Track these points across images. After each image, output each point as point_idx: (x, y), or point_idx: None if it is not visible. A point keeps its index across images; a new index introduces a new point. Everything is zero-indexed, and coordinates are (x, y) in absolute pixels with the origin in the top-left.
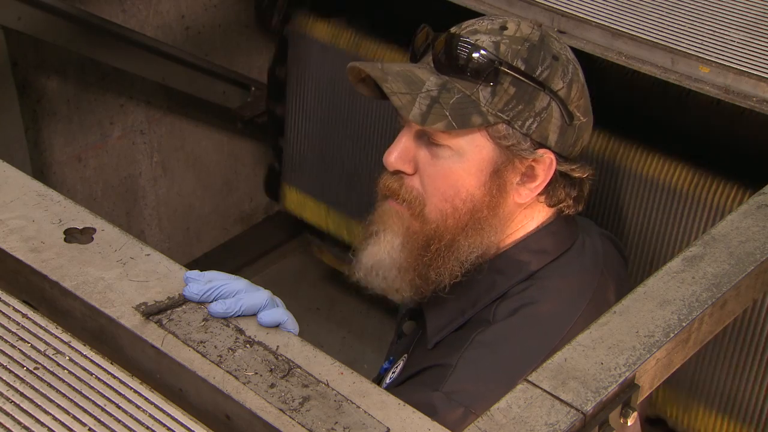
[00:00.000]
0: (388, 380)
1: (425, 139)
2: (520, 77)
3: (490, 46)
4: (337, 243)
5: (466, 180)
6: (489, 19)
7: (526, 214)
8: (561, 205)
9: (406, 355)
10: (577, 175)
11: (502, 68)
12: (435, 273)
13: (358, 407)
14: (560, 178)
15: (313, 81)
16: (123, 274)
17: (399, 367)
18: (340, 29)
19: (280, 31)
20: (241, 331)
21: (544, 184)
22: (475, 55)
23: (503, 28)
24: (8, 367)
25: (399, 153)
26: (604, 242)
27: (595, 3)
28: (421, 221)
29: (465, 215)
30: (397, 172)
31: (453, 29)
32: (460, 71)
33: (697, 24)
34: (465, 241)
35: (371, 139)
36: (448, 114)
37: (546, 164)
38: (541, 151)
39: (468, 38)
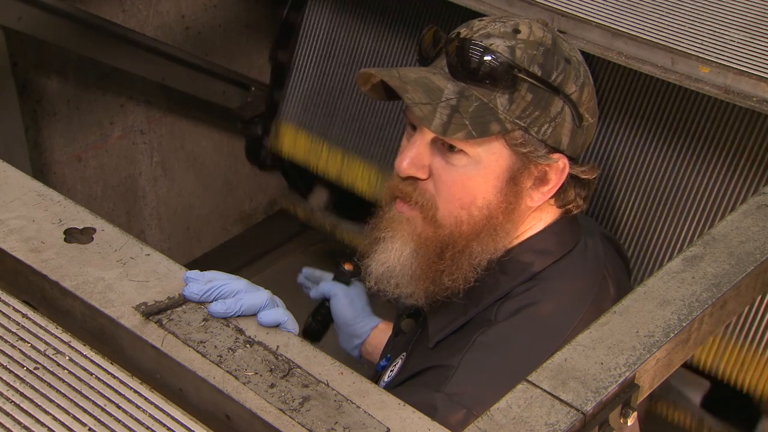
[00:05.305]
0: (386, 378)
1: (439, 144)
2: (537, 83)
3: (506, 51)
4: None
5: (483, 187)
6: (501, 21)
7: (535, 216)
8: (569, 206)
9: (404, 354)
10: (586, 176)
11: (520, 75)
12: (449, 279)
13: (358, 407)
14: (571, 180)
15: None
16: (123, 274)
17: (397, 366)
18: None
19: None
20: (241, 331)
21: (557, 188)
22: (491, 60)
23: (516, 30)
24: (8, 367)
25: (412, 159)
26: (605, 244)
27: (595, 3)
28: (434, 226)
29: (480, 221)
30: (409, 177)
31: (464, 32)
32: (478, 78)
33: (697, 24)
34: (479, 246)
35: None
36: (467, 123)
37: (559, 169)
38: (555, 156)
39: (482, 42)
